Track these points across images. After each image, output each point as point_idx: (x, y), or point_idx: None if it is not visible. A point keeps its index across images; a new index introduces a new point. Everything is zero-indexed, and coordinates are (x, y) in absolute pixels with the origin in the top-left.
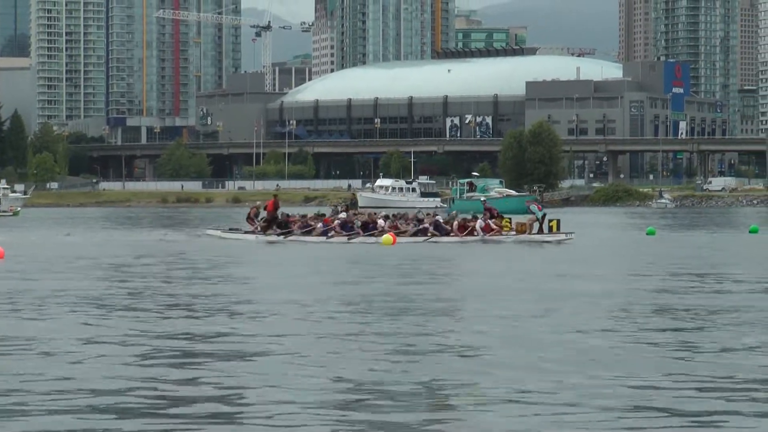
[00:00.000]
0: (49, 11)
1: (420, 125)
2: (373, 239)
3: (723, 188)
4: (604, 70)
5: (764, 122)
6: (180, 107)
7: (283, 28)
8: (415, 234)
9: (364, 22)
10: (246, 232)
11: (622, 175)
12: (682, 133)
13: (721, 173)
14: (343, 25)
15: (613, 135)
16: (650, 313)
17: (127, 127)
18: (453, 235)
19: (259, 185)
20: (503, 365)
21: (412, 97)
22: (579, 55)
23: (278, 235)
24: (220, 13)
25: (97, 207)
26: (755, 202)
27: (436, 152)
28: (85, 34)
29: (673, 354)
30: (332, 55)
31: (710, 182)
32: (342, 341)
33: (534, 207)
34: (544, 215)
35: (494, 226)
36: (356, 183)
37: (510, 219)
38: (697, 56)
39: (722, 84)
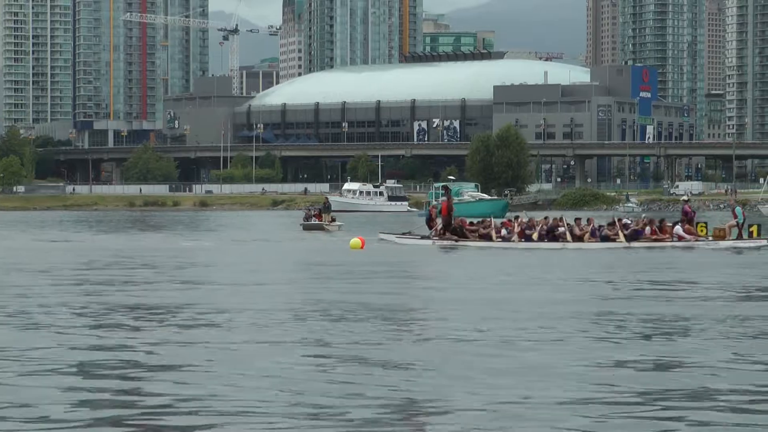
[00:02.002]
0: (16, 14)
1: (387, 129)
2: (559, 245)
3: (685, 193)
4: (572, 74)
5: (731, 127)
6: (147, 111)
7: (251, 31)
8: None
9: (331, 26)
10: (423, 237)
11: (589, 179)
12: (649, 138)
13: (689, 177)
14: (310, 29)
15: (581, 139)
16: None
17: (94, 130)
18: (644, 240)
19: (227, 189)
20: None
21: (379, 101)
22: (547, 60)
23: (455, 240)
24: (187, 17)
25: (65, 210)
26: (722, 206)
27: (404, 156)
28: (51, 37)
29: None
30: (300, 58)
31: (677, 186)
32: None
33: (739, 210)
34: (744, 220)
35: (681, 232)
36: (322, 187)
37: (706, 224)
38: (664, 61)
39: (689, 88)
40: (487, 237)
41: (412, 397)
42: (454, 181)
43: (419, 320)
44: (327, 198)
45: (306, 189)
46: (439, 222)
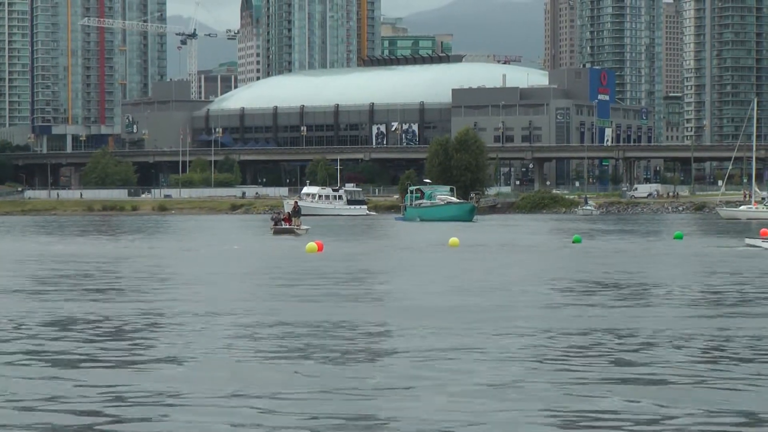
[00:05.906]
0: None
1: (346, 133)
2: None
3: (649, 194)
4: (530, 77)
5: (689, 129)
6: (105, 115)
7: (209, 35)
8: None
9: (290, 30)
10: None
11: (548, 182)
12: (607, 140)
13: (647, 180)
14: (269, 33)
15: (539, 142)
16: None
17: (53, 135)
18: None
19: (186, 193)
20: None
21: (338, 104)
22: (505, 63)
23: None
24: (145, 21)
25: (23, 215)
26: (680, 208)
27: (363, 160)
28: (9, 42)
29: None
30: (258, 62)
31: (636, 189)
32: None
33: None
34: None
35: None
36: (282, 191)
37: None
38: (622, 63)
39: (647, 91)
40: None
41: None
42: (429, 184)
43: None
44: (297, 202)
45: (244, 193)
46: None
